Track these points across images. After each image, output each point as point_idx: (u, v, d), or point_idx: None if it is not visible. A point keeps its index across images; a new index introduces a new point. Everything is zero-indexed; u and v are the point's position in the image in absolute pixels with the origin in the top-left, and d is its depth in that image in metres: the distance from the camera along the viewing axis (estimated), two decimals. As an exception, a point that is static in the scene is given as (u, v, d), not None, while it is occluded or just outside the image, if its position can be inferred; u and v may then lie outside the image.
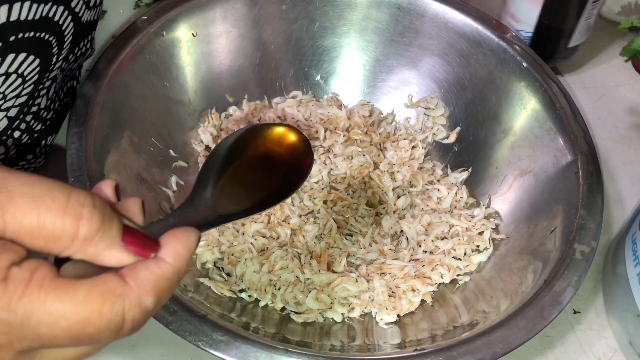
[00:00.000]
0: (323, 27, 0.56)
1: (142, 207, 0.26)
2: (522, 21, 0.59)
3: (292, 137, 0.34)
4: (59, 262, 0.23)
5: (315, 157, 0.52)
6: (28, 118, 0.41)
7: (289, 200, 0.48)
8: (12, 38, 0.34)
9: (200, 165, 0.51)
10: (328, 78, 0.58)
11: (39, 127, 0.43)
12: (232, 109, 0.55)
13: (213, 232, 0.47)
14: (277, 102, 0.57)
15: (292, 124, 0.37)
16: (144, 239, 0.24)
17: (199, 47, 0.52)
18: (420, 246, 0.48)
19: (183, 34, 0.51)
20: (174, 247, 0.24)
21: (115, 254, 0.23)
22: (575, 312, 0.48)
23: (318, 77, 0.58)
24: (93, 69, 0.46)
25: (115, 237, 0.23)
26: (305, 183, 0.50)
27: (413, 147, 0.55)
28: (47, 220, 0.21)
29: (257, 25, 0.55)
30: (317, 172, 0.51)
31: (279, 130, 0.34)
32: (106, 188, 0.25)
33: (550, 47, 0.49)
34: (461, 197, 0.52)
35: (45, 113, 0.44)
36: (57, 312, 0.21)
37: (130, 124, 0.47)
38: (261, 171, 0.33)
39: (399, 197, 0.51)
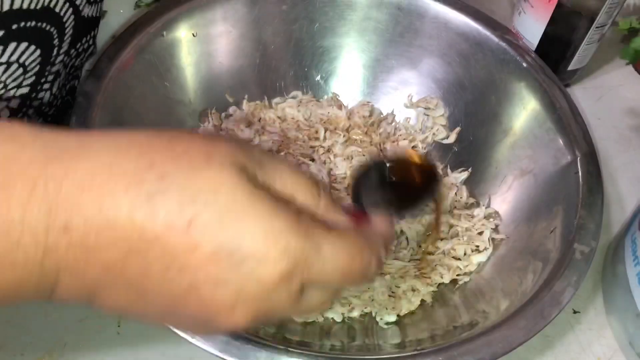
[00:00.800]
0: (323, 27, 0.56)
1: None
2: (525, 39, 0.59)
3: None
4: None
5: (315, 157, 0.52)
6: (30, 112, 0.41)
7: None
8: (14, 26, 0.34)
9: None
10: (328, 78, 0.59)
11: (40, 121, 0.43)
12: (232, 109, 0.55)
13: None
14: (277, 102, 0.57)
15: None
16: (357, 211, 0.29)
17: (199, 47, 0.52)
18: (420, 246, 0.48)
19: (183, 34, 0.51)
20: (383, 220, 0.29)
21: (341, 222, 0.26)
22: (575, 312, 0.48)
23: (318, 78, 0.58)
24: (93, 69, 0.46)
25: (339, 210, 0.27)
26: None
27: (413, 147, 0.55)
28: (300, 192, 0.25)
29: (257, 25, 0.55)
30: (317, 172, 0.51)
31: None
32: None
33: (550, 68, 0.51)
34: (461, 197, 0.52)
35: (48, 109, 0.44)
36: (338, 248, 0.24)
37: (130, 124, 0.47)
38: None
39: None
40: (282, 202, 0.23)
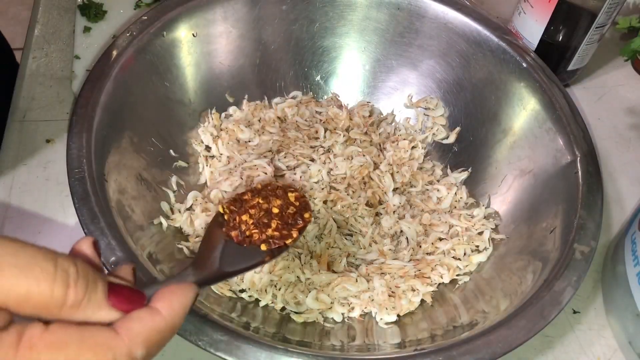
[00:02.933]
0: (323, 27, 0.56)
1: (134, 272, 0.27)
2: (524, 39, 0.59)
3: (291, 197, 0.39)
4: None
5: (315, 157, 0.52)
6: None
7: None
8: None
9: (202, 175, 0.52)
10: (328, 78, 0.59)
11: None
12: (232, 109, 0.55)
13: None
14: (277, 102, 0.57)
15: (292, 187, 0.41)
16: (129, 295, 0.24)
17: (199, 48, 0.52)
18: (420, 246, 0.48)
19: (183, 34, 0.51)
20: (170, 301, 0.25)
21: (104, 314, 0.23)
22: (575, 312, 0.48)
23: (318, 77, 0.58)
24: (93, 69, 0.46)
25: (102, 299, 0.23)
26: (305, 183, 0.50)
27: (413, 148, 0.55)
28: (36, 290, 0.21)
29: (257, 25, 0.55)
30: (317, 172, 0.51)
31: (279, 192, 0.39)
32: (85, 247, 0.26)
33: (550, 68, 0.51)
34: (461, 197, 0.52)
35: None
36: None
37: (130, 124, 0.47)
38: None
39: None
40: None
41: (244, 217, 0.37)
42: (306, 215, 0.39)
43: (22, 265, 0.21)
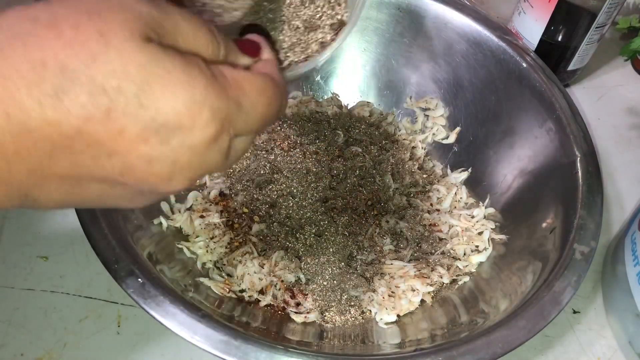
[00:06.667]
0: (323, 27, 0.56)
1: None
2: (524, 39, 0.59)
3: None
4: None
5: (315, 157, 0.52)
6: None
7: (289, 201, 0.48)
8: None
9: None
10: (328, 78, 0.59)
11: None
12: (232, 109, 0.55)
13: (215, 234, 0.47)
14: (277, 102, 0.57)
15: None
16: (250, 42, 0.28)
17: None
18: (420, 246, 0.48)
19: (183, 34, 0.51)
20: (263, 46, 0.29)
21: (243, 59, 0.27)
22: (575, 312, 0.48)
23: (318, 77, 0.58)
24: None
25: (236, 49, 0.26)
26: (305, 183, 0.50)
27: (413, 148, 0.55)
28: (203, 42, 0.24)
29: (257, 25, 0.54)
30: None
31: None
32: None
33: (550, 68, 0.51)
34: (461, 197, 0.52)
35: None
36: (255, 97, 0.24)
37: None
38: None
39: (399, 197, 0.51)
40: (194, 62, 0.22)
41: None
42: None
43: (193, 23, 0.24)
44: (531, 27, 0.59)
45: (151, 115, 0.21)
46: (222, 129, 0.23)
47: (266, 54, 0.29)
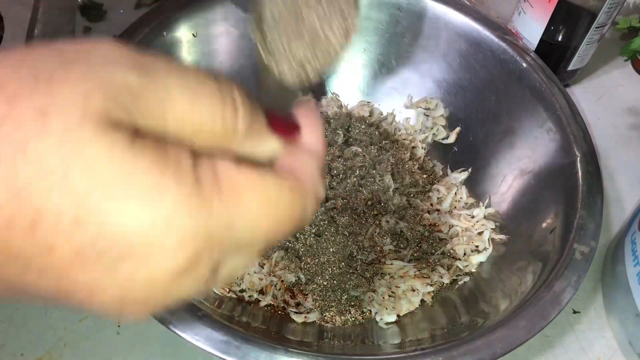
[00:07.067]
0: (323, 27, 0.56)
1: None
2: (524, 39, 0.59)
3: None
4: None
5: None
6: None
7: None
8: None
9: None
10: (328, 78, 0.59)
11: None
12: (232, 109, 0.55)
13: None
14: (277, 102, 0.57)
15: None
16: (283, 121, 0.21)
17: (200, 48, 0.52)
18: (420, 246, 0.48)
19: (183, 34, 0.51)
20: (310, 124, 0.22)
21: (270, 143, 0.20)
22: (575, 312, 0.48)
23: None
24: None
25: (264, 125, 0.20)
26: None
27: (413, 148, 0.55)
28: (208, 116, 0.18)
29: (257, 25, 0.54)
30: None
31: None
32: None
33: (550, 68, 0.51)
34: (461, 197, 0.52)
35: None
36: (256, 215, 0.18)
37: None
38: None
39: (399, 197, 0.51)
40: (171, 159, 0.16)
41: None
42: None
43: (191, 88, 0.17)
44: (531, 27, 0.59)
45: (91, 235, 0.15)
46: (198, 258, 0.17)
47: (308, 135, 0.22)
